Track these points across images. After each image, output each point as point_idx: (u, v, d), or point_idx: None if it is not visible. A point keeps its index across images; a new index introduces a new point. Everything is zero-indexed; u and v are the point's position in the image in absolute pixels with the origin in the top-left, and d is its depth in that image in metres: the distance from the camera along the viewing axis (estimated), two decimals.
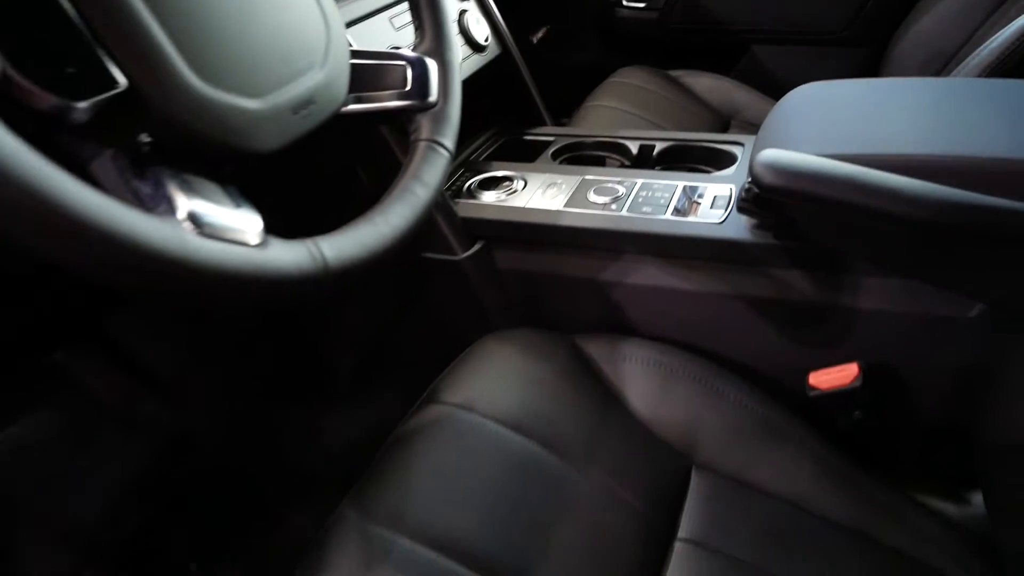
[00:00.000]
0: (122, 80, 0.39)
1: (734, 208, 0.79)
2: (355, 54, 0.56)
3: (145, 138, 0.41)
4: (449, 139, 0.58)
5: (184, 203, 0.39)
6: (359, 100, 0.56)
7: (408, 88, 0.57)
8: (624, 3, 1.67)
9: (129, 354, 1.17)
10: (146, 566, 1.05)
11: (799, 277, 0.76)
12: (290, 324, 1.10)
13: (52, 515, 1.05)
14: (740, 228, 0.77)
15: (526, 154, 1.02)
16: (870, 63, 1.44)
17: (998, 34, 0.93)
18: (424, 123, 0.58)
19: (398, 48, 0.59)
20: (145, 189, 0.39)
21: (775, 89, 1.47)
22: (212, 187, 0.42)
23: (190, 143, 0.42)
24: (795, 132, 0.76)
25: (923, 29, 1.29)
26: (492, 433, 0.67)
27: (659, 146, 1.00)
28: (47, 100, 0.37)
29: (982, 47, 0.94)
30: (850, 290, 0.74)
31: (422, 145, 0.56)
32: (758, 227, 0.76)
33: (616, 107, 1.33)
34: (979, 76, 0.90)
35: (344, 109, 0.54)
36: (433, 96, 0.58)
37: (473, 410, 0.68)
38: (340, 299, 1.01)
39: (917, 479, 0.78)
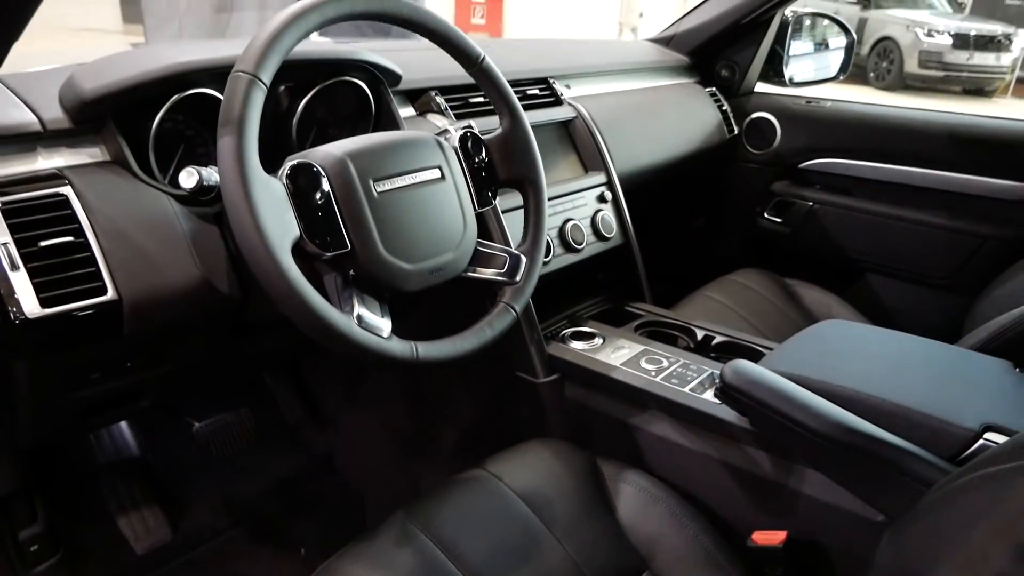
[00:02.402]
0: (348, 245, 0.82)
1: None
2: (479, 244, 0.96)
3: (351, 273, 0.84)
4: (519, 305, 0.96)
5: (358, 308, 0.80)
6: (473, 271, 0.96)
7: (504, 269, 0.97)
8: (766, 216, 1.99)
9: (307, 390, 1.64)
10: (272, 541, 1.45)
11: (762, 457, 1.03)
12: (421, 404, 1.51)
13: (223, 485, 1.50)
14: (729, 412, 1.06)
15: (618, 321, 1.37)
16: (963, 311, 1.64)
17: (1008, 313, 1.16)
18: (507, 291, 0.96)
19: (508, 245, 0.99)
20: (344, 295, 0.81)
21: (876, 314, 1.71)
22: (375, 304, 0.83)
23: (371, 281, 0.84)
24: (788, 351, 1.06)
25: (1006, 291, 1.49)
26: (506, 496, 1.00)
27: (718, 339, 1.31)
28: (314, 249, 0.80)
29: (993, 322, 1.17)
30: (796, 476, 1.00)
31: (501, 305, 0.95)
32: (740, 415, 1.04)
33: (720, 301, 1.64)
34: (976, 346, 1.13)
35: (462, 275, 0.94)
36: (518, 278, 0.97)
37: (501, 479, 1.02)
38: (455, 392, 1.41)
39: None
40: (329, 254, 0.81)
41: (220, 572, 1.35)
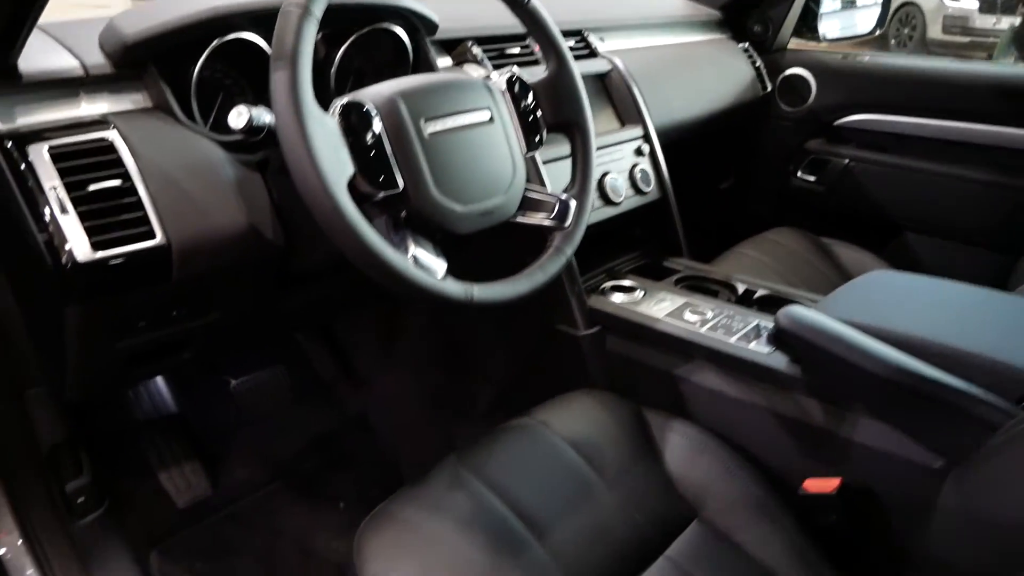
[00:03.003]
0: (401, 185, 0.80)
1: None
2: (527, 189, 0.94)
3: (402, 214, 0.82)
4: (570, 249, 0.94)
5: (412, 249, 0.79)
6: (523, 215, 0.94)
7: (554, 215, 0.95)
8: (799, 175, 1.96)
9: (341, 350, 1.64)
10: (310, 496, 1.45)
11: (814, 405, 1.02)
12: (457, 361, 1.51)
13: (260, 442, 1.51)
14: (778, 360, 1.04)
15: (657, 276, 1.35)
16: (1004, 270, 1.61)
17: None
18: (557, 236, 0.95)
19: (555, 190, 0.97)
20: (395, 238, 0.80)
21: (914, 272, 1.68)
22: (428, 244, 0.82)
23: (423, 222, 0.82)
24: (838, 300, 1.04)
25: None
26: (556, 444, 1.00)
27: (760, 292, 1.29)
28: (368, 189, 0.78)
29: None
30: (849, 423, 0.99)
31: (552, 249, 0.94)
32: (790, 362, 1.03)
33: (756, 257, 1.61)
34: None
35: (512, 219, 0.92)
36: (568, 223, 0.95)
37: (549, 427, 1.02)
38: (492, 347, 1.40)
39: None
40: (382, 194, 0.80)
41: (261, 526, 1.36)
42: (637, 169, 1.38)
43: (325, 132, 0.74)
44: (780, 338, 0.99)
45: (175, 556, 1.29)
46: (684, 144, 1.66)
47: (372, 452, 1.54)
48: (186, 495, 1.37)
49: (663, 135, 1.49)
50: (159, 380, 1.47)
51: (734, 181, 2.15)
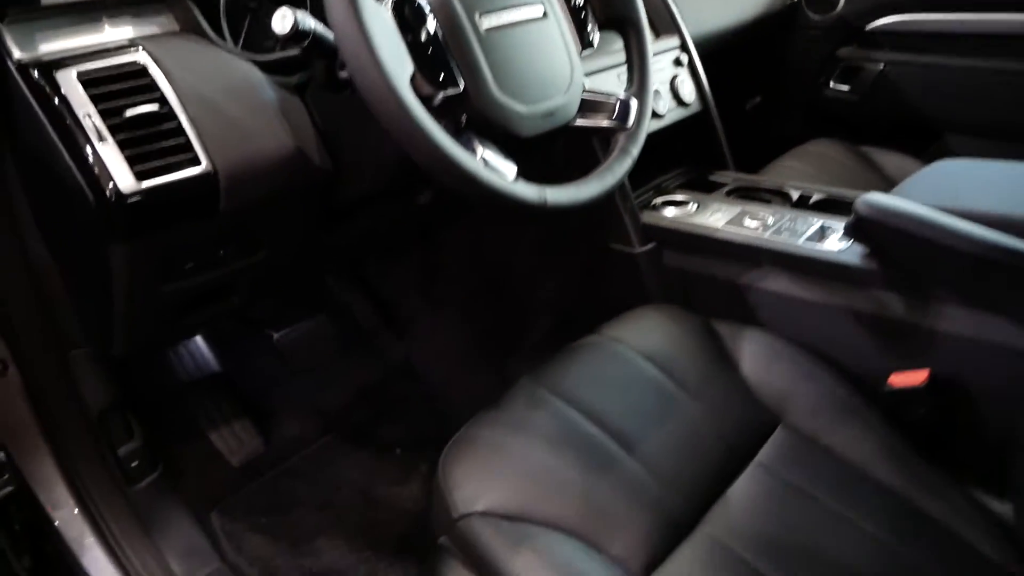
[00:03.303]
0: (462, 85, 0.75)
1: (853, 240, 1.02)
2: (586, 92, 0.89)
3: (464, 117, 0.77)
4: (636, 149, 0.89)
5: (480, 151, 0.74)
6: (584, 118, 0.89)
7: (615, 116, 0.89)
8: (831, 85, 1.89)
9: (381, 298, 1.59)
10: (365, 445, 1.42)
11: (894, 299, 0.97)
12: (505, 294, 1.46)
13: (307, 396, 1.47)
14: (854, 255, 0.99)
15: (706, 189, 1.29)
16: None
17: None
18: (621, 138, 0.89)
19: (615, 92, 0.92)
20: (461, 140, 0.75)
21: None
22: (493, 147, 0.77)
23: (486, 124, 0.77)
24: (913, 188, 0.99)
25: None
26: (633, 359, 0.96)
27: (816, 196, 1.24)
28: (427, 91, 0.73)
29: None
30: (935, 313, 0.94)
31: (618, 150, 0.88)
32: (867, 256, 0.98)
33: (801, 168, 1.55)
34: None
35: (572, 123, 0.87)
36: (630, 123, 0.90)
37: (623, 343, 0.97)
38: (547, 273, 1.35)
39: (966, 474, 0.94)
40: (442, 95, 0.74)
41: (319, 478, 1.33)
42: (678, 80, 1.32)
43: (383, 26, 0.68)
44: (859, 229, 0.94)
45: (237, 514, 1.26)
46: (710, 60, 1.59)
47: (421, 399, 1.50)
48: (239, 453, 1.34)
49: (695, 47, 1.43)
50: (200, 340, 1.43)
51: (761, 99, 2.08)
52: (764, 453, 0.92)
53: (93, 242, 0.81)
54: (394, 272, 1.58)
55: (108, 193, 0.74)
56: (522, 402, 0.88)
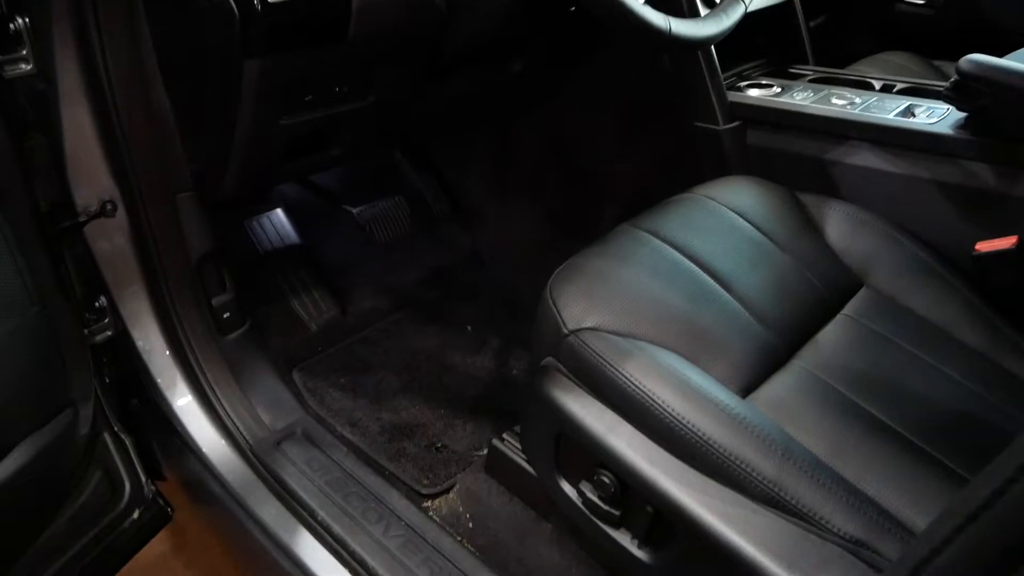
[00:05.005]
0: None
1: (945, 115, 1.03)
2: None
3: None
4: None
5: None
6: None
7: None
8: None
9: (448, 184, 1.63)
10: (438, 321, 1.46)
11: (984, 169, 0.99)
12: (579, 178, 1.49)
13: (381, 273, 1.52)
14: (945, 126, 1.01)
15: (788, 78, 1.31)
16: None
17: None
18: None
19: None
20: None
21: None
22: None
23: None
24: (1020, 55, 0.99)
25: None
26: (725, 213, 0.99)
27: (899, 85, 1.25)
28: None
29: None
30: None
31: None
32: (960, 126, 1.00)
33: (875, 73, 1.55)
34: None
35: None
36: None
37: (714, 200, 1.00)
38: (624, 159, 1.38)
39: None
40: None
41: (394, 347, 1.38)
42: None
43: None
44: (960, 88, 0.95)
45: (317, 373, 1.32)
46: None
47: (490, 286, 1.54)
48: (318, 319, 1.39)
49: None
50: (281, 213, 1.48)
51: (826, 17, 2.07)
52: (850, 307, 0.95)
53: (227, 61, 0.85)
54: (465, 160, 1.61)
55: (256, 2, 0.77)
56: (623, 239, 0.92)
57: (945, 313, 0.95)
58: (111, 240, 1.10)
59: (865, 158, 1.08)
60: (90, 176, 1.03)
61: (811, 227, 1.03)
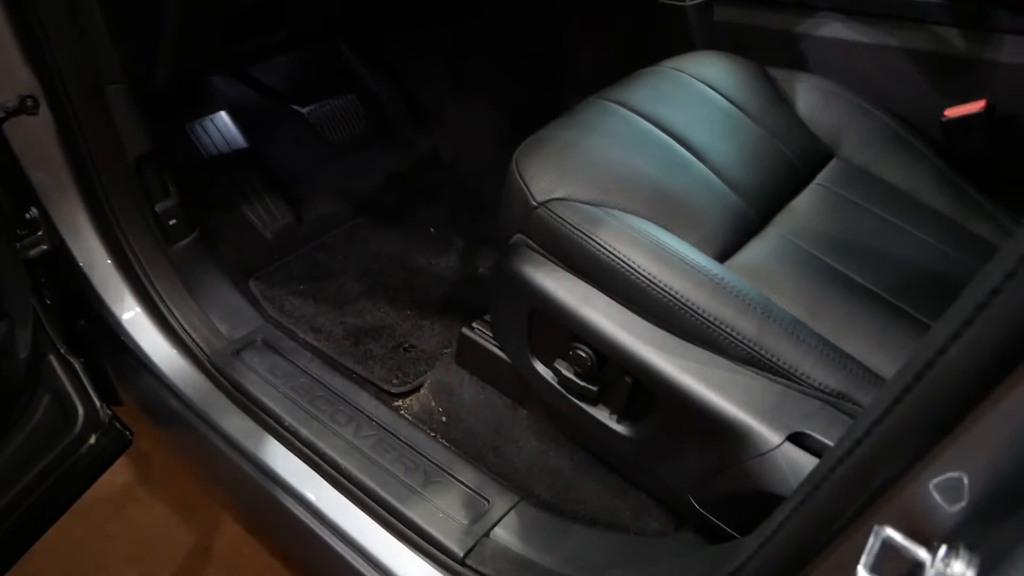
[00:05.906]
0: None
1: None
2: None
3: None
4: None
5: None
6: None
7: None
8: None
9: (402, 82, 1.55)
10: (399, 225, 1.41)
11: (954, 34, 0.97)
12: (540, 69, 1.43)
13: (337, 179, 1.45)
14: None
15: None
16: None
17: None
18: None
19: None
20: None
21: None
22: None
23: None
24: None
25: None
26: (695, 84, 0.95)
27: None
28: None
29: None
30: (993, 46, 0.94)
31: None
32: None
33: None
34: None
35: None
36: None
37: (684, 72, 0.96)
38: (587, 45, 1.32)
39: (1017, 201, 0.97)
40: None
41: (355, 251, 1.33)
42: None
43: None
44: None
45: (275, 281, 1.27)
46: None
47: (452, 186, 1.49)
48: (272, 226, 1.33)
49: None
50: (225, 116, 1.40)
51: None
52: (822, 176, 0.93)
53: None
54: (419, 56, 1.53)
55: None
56: (591, 111, 0.88)
57: (914, 179, 0.94)
58: (37, 141, 1.01)
59: (834, 29, 1.05)
60: (3, 67, 0.93)
61: (781, 100, 1.01)
